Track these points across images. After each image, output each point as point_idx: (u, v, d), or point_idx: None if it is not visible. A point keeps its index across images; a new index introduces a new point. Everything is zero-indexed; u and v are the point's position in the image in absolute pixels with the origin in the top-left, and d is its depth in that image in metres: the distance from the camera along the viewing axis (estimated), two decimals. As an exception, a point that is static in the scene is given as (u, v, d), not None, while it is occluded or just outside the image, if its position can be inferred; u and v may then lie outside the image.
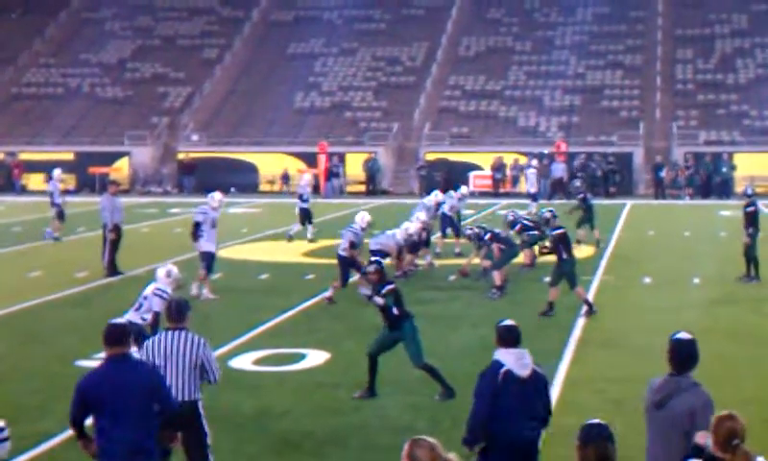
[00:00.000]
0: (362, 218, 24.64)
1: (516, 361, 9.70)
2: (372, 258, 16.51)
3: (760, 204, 26.97)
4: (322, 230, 36.99)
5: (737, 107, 60.71)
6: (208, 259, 23.77)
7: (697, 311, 21.80)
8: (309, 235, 34.46)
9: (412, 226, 26.06)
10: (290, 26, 73.04)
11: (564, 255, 21.32)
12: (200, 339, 10.73)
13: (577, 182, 35.61)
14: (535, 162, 51.16)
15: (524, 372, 9.69)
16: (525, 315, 21.26)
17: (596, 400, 15.09)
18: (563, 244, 21.44)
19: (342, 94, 65.56)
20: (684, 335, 9.13)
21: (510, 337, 9.89)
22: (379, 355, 15.44)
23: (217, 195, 24.96)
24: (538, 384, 9.81)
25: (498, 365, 9.69)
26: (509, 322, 10.07)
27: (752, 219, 25.12)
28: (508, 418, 9.53)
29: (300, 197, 35.19)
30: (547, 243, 22.65)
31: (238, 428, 13.98)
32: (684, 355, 8.97)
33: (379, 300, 15.34)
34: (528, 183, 47.94)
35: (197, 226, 23.83)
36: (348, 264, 23.58)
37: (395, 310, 15.24)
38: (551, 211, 23.29)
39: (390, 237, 25.52)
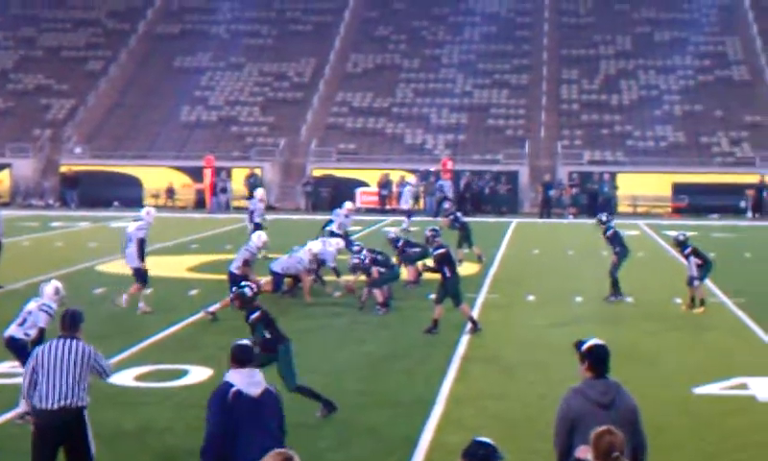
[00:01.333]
0: (258, 237, 24.46)
1: (245, 381, 9.56)
2: (243, 284, 16.06)
3: (615, 225, 27.14)
4: (206, 245, 36.66)
5: (621, 127, 61.61)
6: (143, 274, 23.72)
7: (579, 329, 21.92)
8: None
9: (315, 245, 25.88)
10: (176, 39, 72.44)
11: (448, 274, 21.30)
12: (90, 349, 11.07)
13: (446, 204, 35.57)
14: (413, 179, 51.40)
15: (255, 391, 9.55)
16: (410, 332, 21.28)
17: (480, 418, 15.05)
18: (446, 262, 21.42)
19: (229, 109, 65.19)
20: (597, 341, 9.51)
21: (242, 357, 9.75)
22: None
23: (152, 210, 25.33)
24: (270, 403, 9.66)
25: (228, 386, 9.58)
26: (243, 341, 10.01)
27: (614, 241, 25.60)
28: (240, 437, 9.42)
29: (252, 214, 34.16)
30: (429, 262, 22.65)
31: (119, 445, 13.68)
32: (604, 358, 9.36)
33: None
34: (403, 200, 47.98)
35: (142, 242, 23.83)
36: (238, 282, 23.32)
37: (266, 335, 15.05)
38: (433, 230, 23.29)
39: (296, 260, 25.27)
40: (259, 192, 34.82)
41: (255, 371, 9.70)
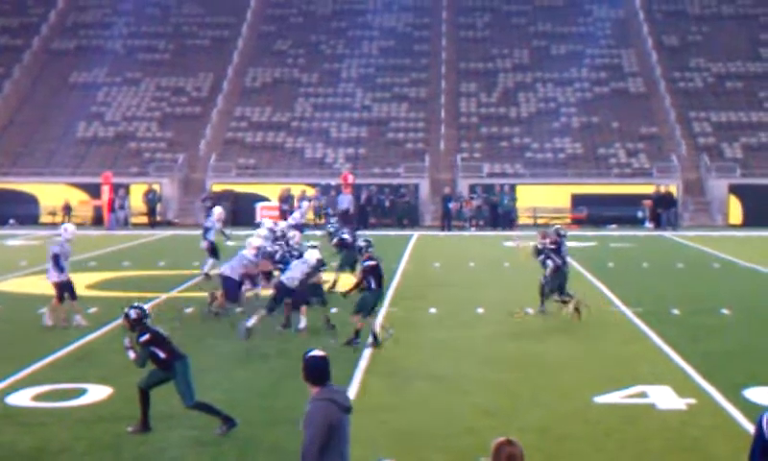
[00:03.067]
0: (250, 244, 25.18)
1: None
2: (130, 307, 15.63)
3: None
4: (104, 262, 36.19)
5: (519, 139, 62.08)
6: (61, 288, 23.72)
7: (481, 340, 22.01)
8: (206, 269, 32.30)
9: (255, 240, 25.60)
10: (72, 55, 71.51)
11: (374, 286, 21.44)
12: None
13: (332, 220, 35.32)
14: (312, 194, 51.52)
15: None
16: (320, 344, 21.12)
17: (380, 431, 14.98)
18: (373, 275, 21.53)
19: (126, 124, 64.49)
20: (318, 352, 9.41)
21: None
22: (150, 389, 15.07)
23: (70, 226, 25.60)
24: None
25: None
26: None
27: (559, 253, 25.37)
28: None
29: (207, 230, 33.42)
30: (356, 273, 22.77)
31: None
32: (324, 369, 9.34)
33: (131, 354, 15.04)
34: (300, 214, 47.63)
35: (57, 258, 23.75)
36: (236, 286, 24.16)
37: (161, 355, 14.87)
38: (367, 241, 23.23)
39: (242, 258, 24.93)
40: (217, 211, 34.13)
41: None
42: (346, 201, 54.81)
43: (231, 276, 24.59)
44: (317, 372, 9.33)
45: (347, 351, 20.39)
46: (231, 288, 24.58)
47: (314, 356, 9.32)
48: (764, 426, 8.82)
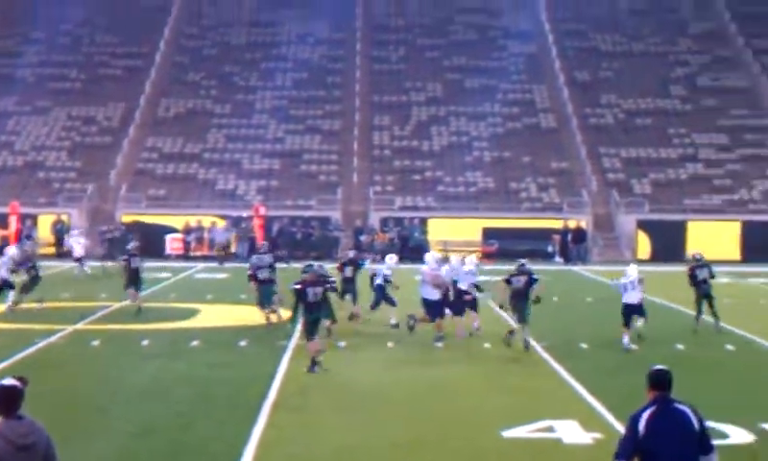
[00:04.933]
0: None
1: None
2: None
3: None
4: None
5: (432, 173, 62.25)
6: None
7: (391, 373, 21.89)
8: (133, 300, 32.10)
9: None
10: (-20, 83, 70.51)
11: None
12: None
13: (129, 245, 35.22)
14: (221, 225, 51.52)
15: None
16: (220, 378, 20.88)
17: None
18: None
19: (35, 154, 63.67)
20: (7, 382, 8.73)
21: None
22: None
23: (13, 249, 27.23)
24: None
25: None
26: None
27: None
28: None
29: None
30: None
31: None
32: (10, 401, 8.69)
33: None
34: (74, 248, 46.87)
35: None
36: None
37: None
38: (308, 265, 23.31)
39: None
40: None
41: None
42: (221, 234, 54.81)
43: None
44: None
45: (256, 386, 20.14)
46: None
47: (1, 386, 8.72)
48: (641, 426, 9.20)
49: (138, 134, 65.89)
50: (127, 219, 56.91)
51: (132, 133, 65.73)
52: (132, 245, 33.61)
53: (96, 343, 25.42)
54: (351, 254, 31.92)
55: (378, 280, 29.33)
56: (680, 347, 25.55)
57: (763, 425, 17.07)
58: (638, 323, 26.38)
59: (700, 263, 29.31)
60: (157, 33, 76.06)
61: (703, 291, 28.79)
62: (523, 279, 25.64)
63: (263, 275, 28.98)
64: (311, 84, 70.99)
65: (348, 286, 29.97)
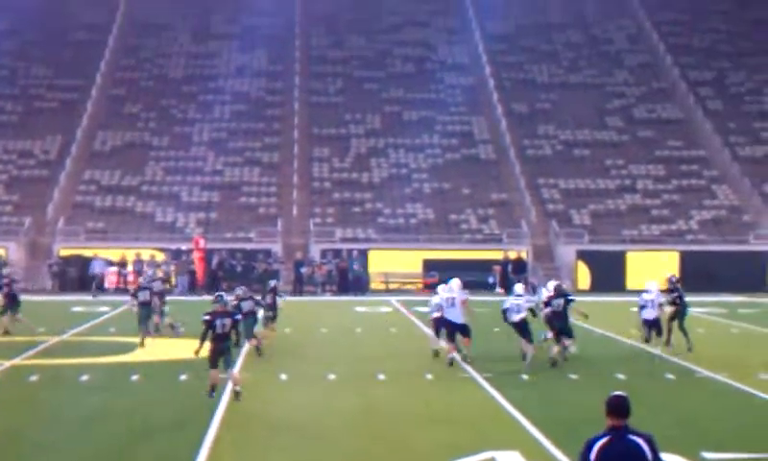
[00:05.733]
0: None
1: None
2: None
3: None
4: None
5: (372, 204, 62.30)
6: None
7: (329, 408, 21.78)
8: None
9: None
10: None
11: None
12: None
13: (8, 270, 36.11)
14: (160, 258, 51.22)
15: None
16: (157, 411, 20.67)
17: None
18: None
19: (-29, 188, 63.02)
20: None
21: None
22: None
23: None
24: None
25: None
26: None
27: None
28: None
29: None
30: None
31: None
32: None
33: None
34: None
35: None
36: None
37: None
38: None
39: None
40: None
41: None
42: (97, 266, 54.59)
43: None
44: None
45: (197, 418, 19.97)
46: None
47: None
48: (591, 456, 9.22)
49: (75, 167, 65.40)
50: (65, 252, 56.39)
51: (70, 165, 65.23)
52: (10, 270, 34.75)
53: (34, 378, 25.09)
54: (272, 283, 33.28)
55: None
56: (620, 376, 25.63)
57: (705, 454, 17.14)
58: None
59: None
60: (93, 65, 75.58)
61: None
62: (561, 300, 27.81)
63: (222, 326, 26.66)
64: (250, 117, 70.90)
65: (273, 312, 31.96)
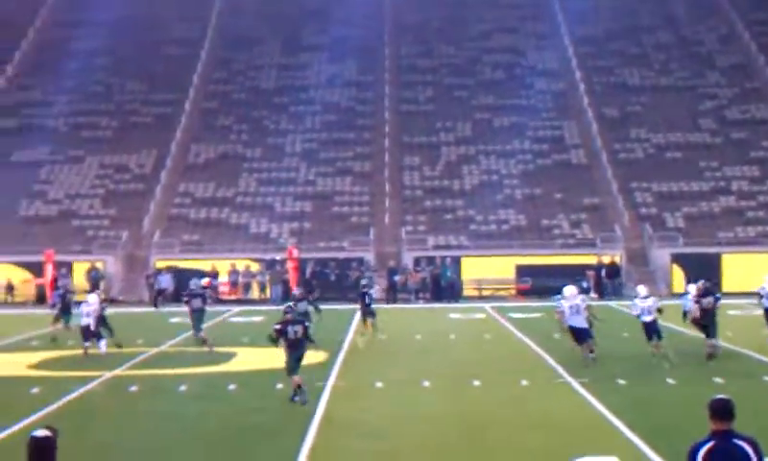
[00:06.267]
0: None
1: None
2: None
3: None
4: (47, 341, 35.82)
5: (464, 211, 62.30)
6: None
7: (428, 415, 21.87)
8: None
9: None
10: (13, 133, 71.06)
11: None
12: None
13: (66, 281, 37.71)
14: (255, 269, 51.30)
15: None
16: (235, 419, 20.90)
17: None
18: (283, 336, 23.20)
19: (69, 202, 64.13)
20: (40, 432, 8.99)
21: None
22: None
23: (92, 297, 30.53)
24: None
25: None
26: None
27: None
28: None
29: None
30: None
31: None
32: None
33: None
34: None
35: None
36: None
37: None
38: (288, 307, 24.17)
39: None
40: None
41: None
42: (164, 281, 54.93)
43: None
44: (36, 454, 8.84)
45: (292, 429, 20.17)
46: None
47: (34, 437, 8.88)
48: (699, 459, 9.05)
49: (170, 180, 66.29)
50: (161, 264, 57.17)
51: (165, 179, 66.14)
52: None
53: (134, 388, 25.50)
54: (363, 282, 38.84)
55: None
56: (717, 379, 25.38)
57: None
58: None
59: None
60: (186, 79, 76.61)
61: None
62: (711, 298, 29.04)
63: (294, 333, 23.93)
64: (341, 126, 71.30)
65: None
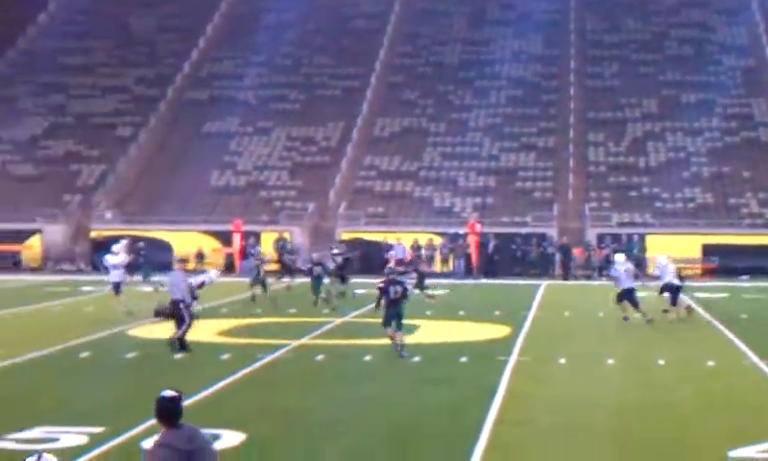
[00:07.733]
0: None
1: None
2: None
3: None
4: (236, 308, 36.76)
5: (649, 189, 61.59)
6: None
7: (610, 391, 21.86)
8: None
9: None
10: (205, 105, 72.95)
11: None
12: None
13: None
14: (438, 242, 51.57)
15: None
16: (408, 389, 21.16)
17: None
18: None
19: (257, 173, 65.53)
20: (167, 393, 9.37)
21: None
22: None
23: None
24: None
25: None
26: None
27: None
28: None
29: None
30: None
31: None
32: (168, 409, 9.31)
33: None
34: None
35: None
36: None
37: None
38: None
39: None
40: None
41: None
42: (400, 250, 54.80)
43: None
44: (160, 413, 9.31)
45: (476, 400, 20.36)
46: None
47: (162, 397, 9.29)
48: None
49: (356, 154, 67.12)
50: (347, 236, 57.93)
51: (350, 152, 67.00)
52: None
53: (320, 357, 26.05)
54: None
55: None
56: None
57: None
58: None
59: None
60: (374, 54, 77.33)
61: None
62: None
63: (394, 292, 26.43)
64: (525, 102, 71.11)
65: None
